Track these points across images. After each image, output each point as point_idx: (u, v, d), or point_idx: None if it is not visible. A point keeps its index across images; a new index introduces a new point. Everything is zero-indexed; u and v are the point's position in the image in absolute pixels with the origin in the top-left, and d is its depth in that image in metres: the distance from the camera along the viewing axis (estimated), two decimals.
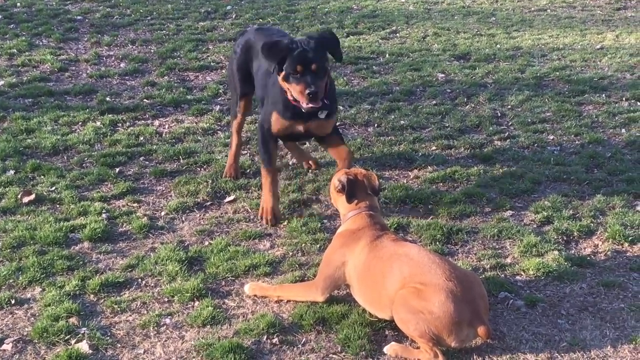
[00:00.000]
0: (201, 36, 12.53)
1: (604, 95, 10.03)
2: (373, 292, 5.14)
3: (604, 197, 7.12)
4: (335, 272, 5.32)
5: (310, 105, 6.23)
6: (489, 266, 6.01)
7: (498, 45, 12.40)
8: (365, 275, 5.19)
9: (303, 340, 5.14)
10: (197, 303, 5.54)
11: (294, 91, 6.29)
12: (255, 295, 5.63)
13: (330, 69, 6.61)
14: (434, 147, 8.36)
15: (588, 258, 6.13)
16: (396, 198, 7.08)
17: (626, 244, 6.32)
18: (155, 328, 5.26)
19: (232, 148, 7.62)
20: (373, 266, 5.15)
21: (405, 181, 7.54)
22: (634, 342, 5.06)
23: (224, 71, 10.81)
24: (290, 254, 6.20)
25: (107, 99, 9.65)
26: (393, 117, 9.28)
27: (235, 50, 7.41)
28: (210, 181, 7.41)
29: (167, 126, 8.92)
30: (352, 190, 5.56)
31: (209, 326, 5.27)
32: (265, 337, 5.14)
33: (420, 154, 8.19)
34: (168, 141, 8.44)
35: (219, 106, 9.50)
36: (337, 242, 5.49)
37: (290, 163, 7.94)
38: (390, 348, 4.95)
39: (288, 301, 5.53)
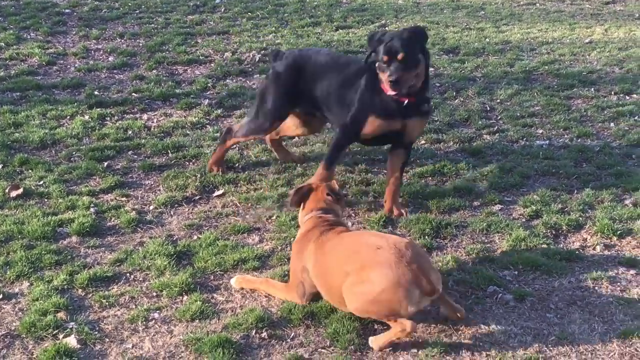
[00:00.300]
0: (190, 30, 12.49)
1: (592, 89, 10.05)
2: (329, 289, 5.15)
3: (593, 191, 7.13)
4: (302, 278, 5.32)
5: (393, 92, 6.35)
6: (477, 260, 6.01)
7: (487, 39, 12.39)
8: (318, 274, 5.20)
9: (292, 334, 5.13)
10: (185, 297, 5.52)
11: (383, 79, 6.43)
12: (242, 288, 5.62)
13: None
14: (423, 141, 8.35)
15: (577, 252, 6.13)
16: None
17: (615, 238, 6.33)
18: (144, 322, 5.24)
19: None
20: (321, 263, 5.17)
21: None
22: (622, 336, 5.07)
23: (212, 65, 10.78)
24: (279, 248, 6.19)
25: (96, 92, 9.62)
26: None
27: (277, 74, 7.31)
28: (199, 175, 7.39)
29: (155, 120, 8.89)
30: (298, 196, 5.68)
31: (197, 321, 5.25)
32: (254, 331, 5.13)
33: None
34: (157, 135, 8.42)
35: (207, 100, 9.47)
36: (294, 250, 5.52)
37: (278, 157, 7.91)
38: (374, 342, 4.95)
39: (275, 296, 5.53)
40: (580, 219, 6.64)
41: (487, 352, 4.93)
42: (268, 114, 7.26)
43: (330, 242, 5.20)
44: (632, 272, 5.86)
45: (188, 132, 8.54)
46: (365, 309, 4.90)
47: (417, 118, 6.67)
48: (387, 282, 4.73)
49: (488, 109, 9.37)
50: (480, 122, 8.86)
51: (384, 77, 6.38)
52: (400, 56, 6.31)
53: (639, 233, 6.36)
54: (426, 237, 6.34)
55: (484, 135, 8.54)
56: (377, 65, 6.51)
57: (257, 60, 11.03)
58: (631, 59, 11.40)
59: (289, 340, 5.07)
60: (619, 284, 5.72)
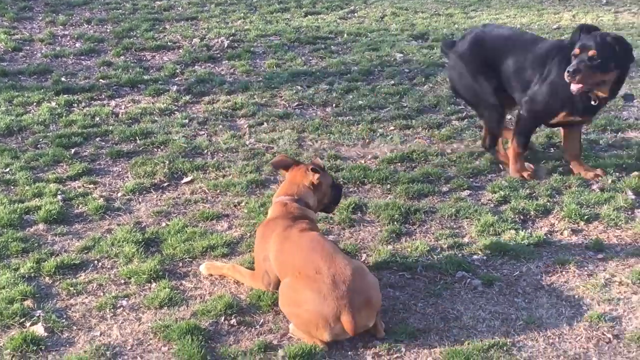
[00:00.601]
0: (158, 15, 12.43)
1: None
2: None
3: (560, 176, 7.16)
4: (266, 266, 5.30)
5: (568, 81, 6.45)
6: (446, 246, 6.02)
7: (456, 25, 12.42)
8: (277, 268, 5.18)
9: (261, 321, 5.12)
10: (154, 285, 5.50)
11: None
12: (211, 275, 5.60)
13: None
14: (392, 127, 8.36)
15: (544, 237, 6.16)
16: (354, 178, 7.08)
17: (582, 223, 6.37)
18: (112, 310, 5.21)
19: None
20: (280, 261, 5.15)
21: (363, 161, 7.54)
22: (589, 320, 5.10)
23: (181, 51, 10.73)
24: (248, 234, 6.17)
25: (63, 79, 9.55)
26: (351, 97, 9.27)
27: (462, 56, 7.37)
28: (167, 162, 7.35)
29: (123, 107, 8.84)
30: (281, 162, 5.64)
31: (166, 308, 5.23)
32: (223, 318, 5.11)
33: (378, 134, 8.19)
34: (124, 122, 8.37)
35: (176, 86, 9.42)
36: (258, 234, 5.47)
37: (247, 143, 7.89)
38: (292, 330, 4.95)
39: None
40: (548, 204, 6.67)
41: (456, 337, 4.95)
42: (487, 99, 7.35)
43: (289, 241, 5.13)
44: (599, 256, 5.90)
45: (156, 118, 8.50)
46: (289, 315, 4.95)
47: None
48: (312, 308, 4.71)
49: None
50: (449, 108, 8.88)
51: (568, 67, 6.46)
52: (591, 52, 6.40)
53: (606, 218, 6.40)
54: (395, 222, 6.34)
55: (453, 121, 8.55)
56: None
57: (225, 46, 10.99)
58: None
59: (258, 326, 5.06)
60: (586, 268, 5.75)
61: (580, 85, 6.44)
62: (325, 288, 4.70)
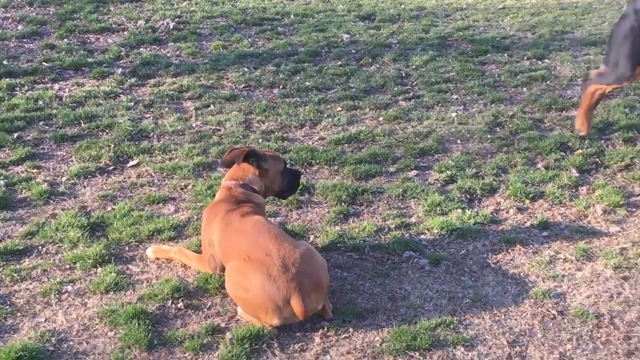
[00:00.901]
0: None
1: (506, 54, 10.18)
2: None
3: (506, 155, 7.22)
4: (211, 250, 5.27)
5: None
6: (393, 226, 6.04)
7: (402, 6, 12.44)
8: (221, 252, 5.16)
9: (209, 304, 5.09)
10: (99, 269, 5.43)
11: None
12: (158, 259, 5.56)
13: None
14: (339, 108, 8.36)
15: (490, 215, 6.21)
16: (302, 160, 7.06)
17: (527, 201, 6.43)
18: (57, 296, 5.14)
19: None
20: (224, 245, 5.12)
21: (310, 142, 7.52)
22: (534, 297, 5.15)
23: (125, 33, 10.59)
24: (195, 217, 6.13)
25: (4, 62, 9.37)
26: (298, 78, 9.25)
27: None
28: (112, 145, 7.27)
29: (67, 90, 8.71)
30: (230, 157, 5.46)
31: (112, 292, 5.17)
32: (170, 302, 5.07)
33: (325, 115, 8.18)
34: (68, 105, 8.25)
35: (121, 69, 9.31)
36: (203, 218, 5.43)
37: (194, 125, 7.83)
38: (240, 313, 4.94)
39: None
40: (494, 183, 6.72)
41: (403, 316, 4.97)
42: (629, 60, 6.96)
43: (232, 226, 5.10)
44: (544, 234, 5.96)
45: (101, 101, 8.39)
46: (236, 300, 4.92)
47: None
48: (260, 292, 4.68)
49: (403, 75, 9.41)
50: (396, 89, 8.90)
51: None
52: None
53: (551, 196, 6.47)
54: (342, 203, 6.35)
55: (400, 102, 8.58)
56: None
57: (171, 28, 10.87)
58: (543, 24, 11.57)
59: (205, 309, 5.03)
60: (531, 246, 5.81)
61: None
62: (276, 271, 4.68)
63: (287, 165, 5.86)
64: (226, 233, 5.11)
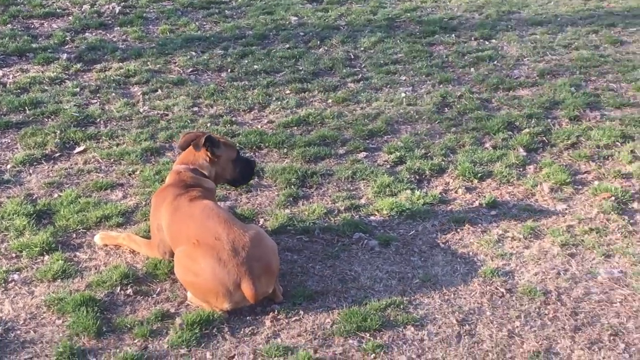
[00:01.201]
0: None
1: (453, 35, 10.21)
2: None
3: (455, 135, 7.26)
4: (160, 235, 5.23)
5: None
6: (343, 208, 6.05)
7: None
8: (170, 237, 5.13)
9: (158, 289, 5.06)
10: (46, 257, 5.37)
11: None
12: (106, 245, 5.51)
13: None
14: (288, 91, 8.33)
15: (439, 196, 6.24)
16: (251, 143, 7.03)
17: (475, 181, 6.47)
18: (3, 285, 5.07)
19: None
20: (173, 230, 5.09)
21: (259, 126, 7.50)
22: (483, 276, 5.19)
23: (70, 18, 10.45)
24: (144, 203, 6.08)
25: None
26: (246, 61, 9.20)
27: None
28: (58, 132, 7.17)
29: (11, 76, 8.57)
30: (184, 141, 5.42)
31: (59, 280, 5.12)
32: (118, 288, 5.03)
33: (274, 98, 8.15)
34: (12, 92, 8.12)
35: (66, 54, 9.18)
36: (152, 203, 5.39)
37: (141, 110, 7.76)
38: (190, 298, 4.92)
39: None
40: (443, 163, 6.75)
41: (353, 298, 4.98)
42: None
43: (181, 211, 5.06)
44: (493, 212, 6.01)
45: (46, 87, 8.28)
46: (186, 285, 4.90)
47: None
48: (210, 276, 4.67)
49: (352, 57, 9.41)
50: (344, 71, 8.89)
51: None
52: None
53: (499, 175, 6.52)
54: (292, 186, 6.33)
55: (349, 84, 8.57)
56: None
57: (117, 12, 10.75)
58: (490, 4, 11.63)
59: (155, 295, 5.00)
60: (480, 225, 5.85)
61: None
62: (225, 255, 4.66)
63: (241, 154, 5.80)
64: (175, 218, 5.07)
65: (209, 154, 5.35)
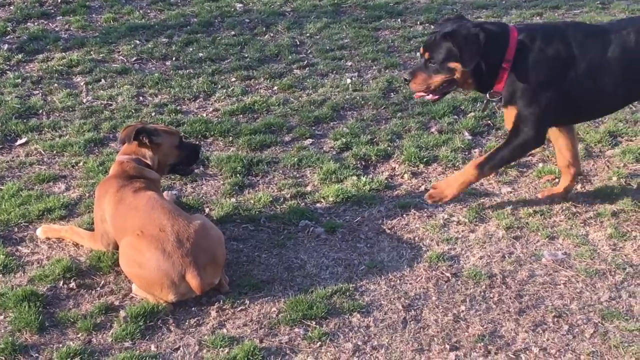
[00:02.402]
0: None
1: (399, 20, 10.20)
2: None
3: (400, 120, 7.26)
4: (104, 227, 5.17)
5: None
6: (289, 195, 6.03)
7: None
8: (114, 229, 5.08)
9: (102, 282, 5.00)
10: None
11: None
12: (48, 239, 5.43)
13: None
14: (233, 79, 8.28)
15: (385, 181, 6.24)
16: (196, 132, 6.98)
17: (422, 166, 6.48)
18: None
19: None
20: (116, 221, 5.04)
21: (204, 114, 7.44)
22: (429, 261, 5.21)
23: (12, 7, 10.28)
24: (87, 195, 6.00)
25: None
26: (191, 49, 9.12)
27: None
28: None
29: None
30: (125, 134, 5.34)
31: (0, 275, 5.04)
32: (61, 282, 4.97)
33: (219, 85, 8.10)
34: None
35: (7, 45, 9.03)
36: (96, 194, 5.33)
37: (84, 101, 7.67)
38: (135, 290, 4.89)
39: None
40: (389, 148, 6.75)
41: (300, 286, 4.96)
42: None
43: (125, 202, 5.00)
44: None
45: None
46: (131, 277, 4.87)
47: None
48: (155, 268, 4.63)
49: (298, 43, 9.36)
50: (290, 57, 8.86)
51: None
52: (426, 55, 5.53)
53: (444, 159, 6.53)
54: (238, 175, 6.30)
55: (295, 70, 8.54)
56: None
57: (59, 1, 10.58)
58: None
59: (99, 288, 4.95)
60: (425, 210, 5.85)
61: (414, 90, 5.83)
62: (170, 246, 4.63)
63: (184, 140, 5.74)
64: (119, 209, 5.01)
65: (147, 143, 5.27)
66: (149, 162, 5.32)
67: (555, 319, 4.65)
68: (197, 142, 6.48)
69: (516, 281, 5.01)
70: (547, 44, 5.43)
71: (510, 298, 4.84)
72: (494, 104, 6.01)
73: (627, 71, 5.43)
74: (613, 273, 5.08)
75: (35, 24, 9.82)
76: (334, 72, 8.49)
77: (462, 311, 4.73)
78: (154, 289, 4.70)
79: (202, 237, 4.75)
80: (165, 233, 4.69)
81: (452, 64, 5.41)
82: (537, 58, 5.41)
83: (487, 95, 5.67)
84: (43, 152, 6.69)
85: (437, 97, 5.67)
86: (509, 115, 5.59)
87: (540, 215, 5.74)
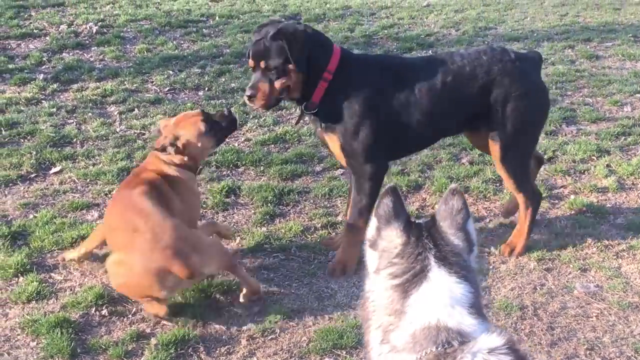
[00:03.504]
0: (23, 2, 12.03)
1: (430, 51, 10.24)
2: None
3: (431, 151, 7.27)
4: None
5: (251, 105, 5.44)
6: (320, 225, 6.04)
7: (327, 5, 12.45)
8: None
9: (133, 310, 5.02)
10: (21, 279, 5.31)
11: None
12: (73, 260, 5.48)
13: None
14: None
15: (416, 212, 6.23)
16: (227, 162, 7.02)
17: None
18: None
19: None
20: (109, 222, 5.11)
21: (236, 144, 7.49)
22: None
23: (47, 38, 10.42)
24: None
25: None
26: (224, 80, 9.20)
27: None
28: (34, 152, 7.13)
29: None
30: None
31: (34, 302, 5.07)
32: (93, 309, 4.99)
33: (251, 116, 8.15)
34: None
35: (42, 75, 9.15)
36: None
37: (118, 130, 7.74)
38: (147, 305, 4.92)
39: None
40: (419, 179, 6.76)
41: (330, 315, 4.96)
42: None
43: (116, 202, 5.10)
44: None
45: (22, 108, 8.23)
46: (121, 290, 4.92)
47: (322, 129, 5.45)
48: (138, 270, 4.65)
49: None
50: None
51: None
52: (262, 64, 5.15)
53: (475, 190, 6.53)
54: (269, 204, 6.32)
55: None
56: None
57: (94, 32, 10.73)
58: (467, 20, 11.69)
59: (130, 316, 4.97)
60: None
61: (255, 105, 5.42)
62: (145, 244, 4.64)
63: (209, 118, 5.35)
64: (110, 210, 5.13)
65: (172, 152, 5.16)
66: (178, 162, 5.20)
67: (588, 352, 4.62)
68: (227, 108, 5.76)
69: (548, 313, 4.98)
70: (368, 66, 5.40)
71: (542, 330, 4.82)
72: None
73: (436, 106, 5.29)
74: None
75: (70, 54, 9.95)
76: None
77: None
78: (145, 292, 4.73)
79: (180, 228, 4.73)
80: (139, 232, 4.69)
81: (290, 66, 5.10)
82: (359, 73, 5.30)
83: (303, 107, 5.36)
84: (77, 180, 6.75)
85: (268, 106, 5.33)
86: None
87: (572, 247, 5.71)
